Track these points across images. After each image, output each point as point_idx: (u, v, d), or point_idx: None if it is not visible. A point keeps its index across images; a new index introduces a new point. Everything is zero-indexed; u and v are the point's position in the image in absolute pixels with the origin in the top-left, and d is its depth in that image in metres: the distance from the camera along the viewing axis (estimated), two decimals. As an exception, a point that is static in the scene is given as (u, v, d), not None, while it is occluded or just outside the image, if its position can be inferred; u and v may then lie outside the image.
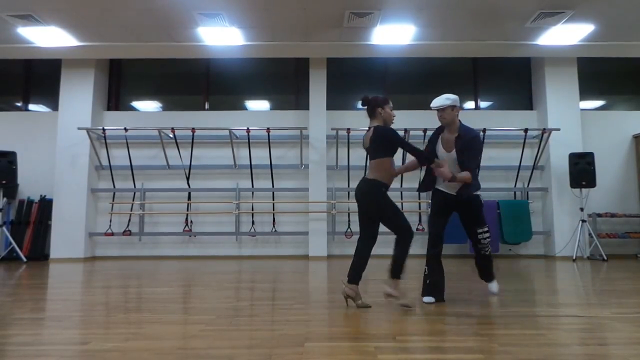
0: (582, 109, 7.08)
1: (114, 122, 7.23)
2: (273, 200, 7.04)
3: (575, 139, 6.91)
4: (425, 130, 6.76)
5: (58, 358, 2.01)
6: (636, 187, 7.13)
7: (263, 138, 7.07)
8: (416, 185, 6.97)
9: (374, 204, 3.11)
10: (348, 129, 6.74)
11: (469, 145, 3.22)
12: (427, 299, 3.24)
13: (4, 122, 7.25)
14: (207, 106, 7.45)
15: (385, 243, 7.08)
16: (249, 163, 7.05)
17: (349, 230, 6.88)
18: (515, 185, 7.04)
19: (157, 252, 7.01)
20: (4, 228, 6.66)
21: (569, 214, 6.73)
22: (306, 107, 7.26)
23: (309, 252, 6.82)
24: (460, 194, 3.26)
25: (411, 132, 6.89)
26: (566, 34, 5.99)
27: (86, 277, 4.86)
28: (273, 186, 7.05)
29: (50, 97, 7.37)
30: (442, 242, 3.33)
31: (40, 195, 7.05)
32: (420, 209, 6.98)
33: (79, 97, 6.96)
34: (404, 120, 7.20)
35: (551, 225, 6.78)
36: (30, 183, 7.11)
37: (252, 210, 7.01)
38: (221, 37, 5.96)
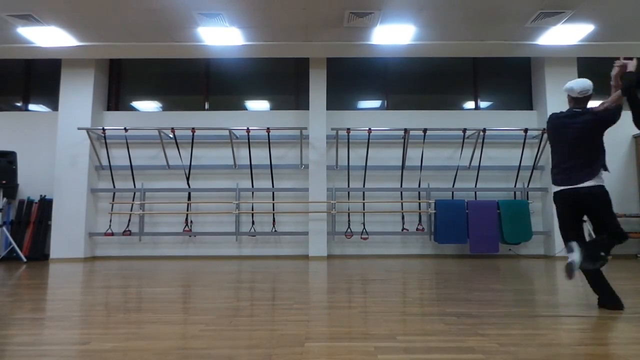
0: (582, 109, 7.07)
1: (114, 122, 7.24)
2: (273, 200, 7.04)
3: (575, 139, 6.91)
4: (425, 130, 6.75)
5: (58, 358, 2.01)
6: (636, 187, 7.13)
7: (263, 138, 7.08)
8: (415, 185, 7.02)
9: None
10: (348, 129, 6.74)
11: None
12: None
13: (4, 122, 7.25)
14: (207, 106, 7.45)
15: (384, 244, 7.10)
16: (249, 163, 7.05)
17: (349, 230, 6.88)
18: (515, 185, 7.04)
19: (157, 252, 7.01)
20: (4, 228, 6.66)
21: (569, 214, 6.73)
22: (306, 107, 7.26)
23: (309, 252, 6.81)
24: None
25: (411, 132, 6.89)
26: (566, 34, 5.99)
27: (86, 277, 4.86)
28: (273, 186, 7.05)
29: (50, 97, 7.37)
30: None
31: (40, 195, 7.05)
32: (420, 209, 6.98)
33: (79, 97, 6.97)
34: (404, 120, 7.21)
35: (551, 225, 6.78)
36: (30, 183, 7.11)
37: (252, 210, 7.01)
38: (221, 37, 5.96)
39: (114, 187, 7.07)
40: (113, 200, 7.03)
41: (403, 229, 6.87)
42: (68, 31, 5.82)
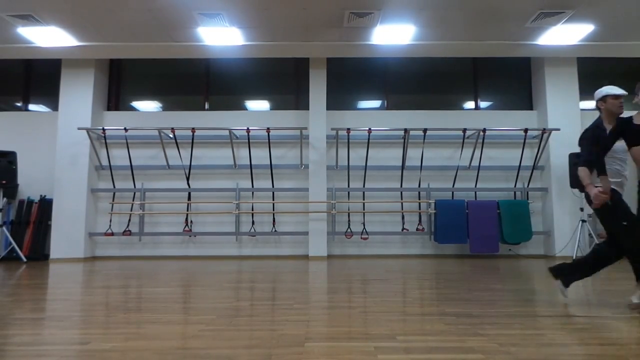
0: (582, 109, 7.08)
1: (114, 122, 7.24)
2: (273, 200, 7.04)
3: (575, 139, 6.87)
4: (425, 130, 6.75)
5: (58, 358, 2.01)
6: (636, 187, 7.11)
7: (263, 138, 7.08)
8: (415, 185, 7.02)
9: None
10: (348, 129, 6.74)
11: None
12: None
13: (4, 122, 7.26)
14: (207, 106, 7.45)
15: (384, 244, 7.10)
16: (249, 163, 7.05)
17: (349, 230, 6.88)
18: (515, 185, 7.04)
19: (157, 252, 7.01)
20: (4, 228, 6.66)
21: (569, 214, 6.74)
22: (306, 107, 7.26)
23: (309, 252, 6.81)
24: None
25: (411, 132, 6.89)
26: (566, 34, 5.99)
27: (86, 277, 4.86)
28: (273, 186, 7.05)
29: (50, 97, 7.37)
30: None
31: (40, 195, 7.05)
32: (420, 209, 6.98)
33: (79, 97, 6.97)
34: (403, 120, 7.21)
35: (551, 225, 6.78)
36: (30, 183, 7.11)
37: (252, 210, 7.01)
38: (221, 37, 5.96)
39: (114, 187, 7.07)
40: (113, 200, 7.04)
41: (403, 229, 6.87)
42: (68, 31, 5.82)
